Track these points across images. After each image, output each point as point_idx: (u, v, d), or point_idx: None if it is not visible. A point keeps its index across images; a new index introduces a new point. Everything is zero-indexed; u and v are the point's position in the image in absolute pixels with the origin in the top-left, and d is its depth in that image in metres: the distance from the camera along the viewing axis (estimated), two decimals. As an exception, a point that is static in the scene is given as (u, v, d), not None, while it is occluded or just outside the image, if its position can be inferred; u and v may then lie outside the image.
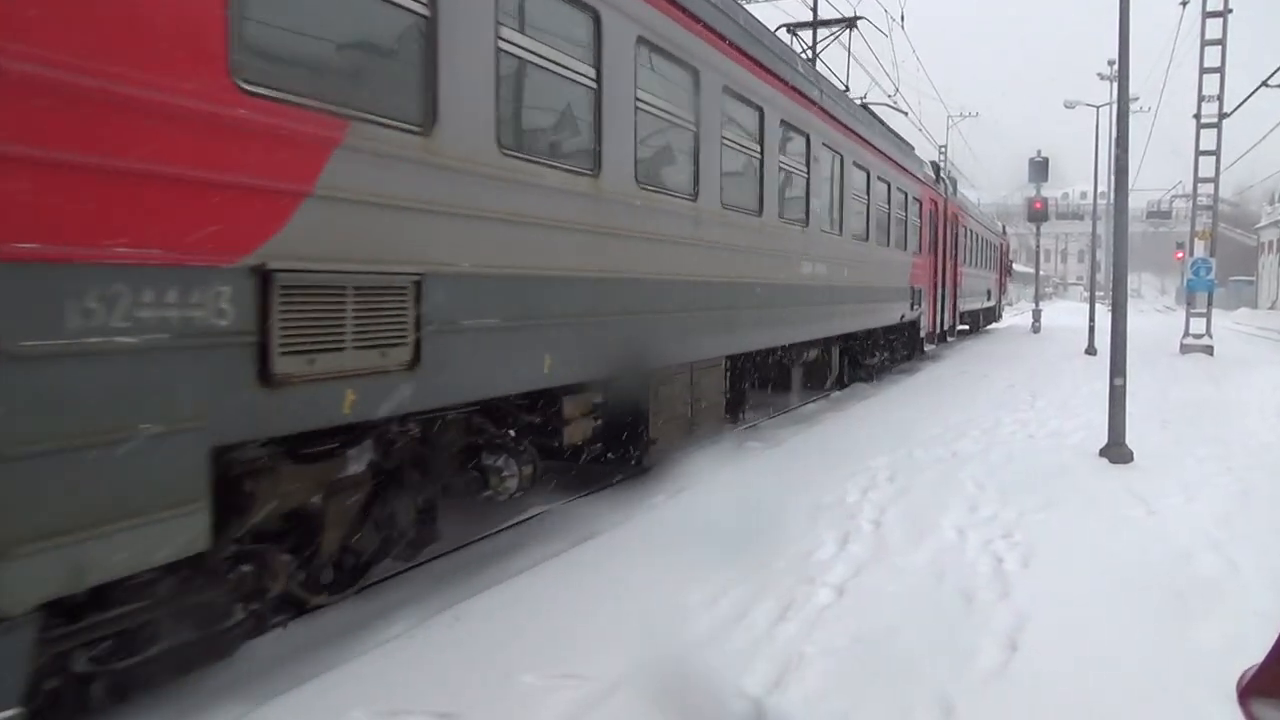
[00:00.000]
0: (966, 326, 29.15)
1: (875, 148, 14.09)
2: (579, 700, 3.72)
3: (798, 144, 10.44)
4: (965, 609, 4.80)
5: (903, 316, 16.44)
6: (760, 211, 9.14)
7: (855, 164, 12.85)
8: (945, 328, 21.61)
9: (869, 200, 13.60)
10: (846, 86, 16.74)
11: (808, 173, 10.68)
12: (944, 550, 5.83)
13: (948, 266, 21.57)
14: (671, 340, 7.23)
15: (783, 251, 9.85)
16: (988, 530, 6.25)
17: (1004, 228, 41.55)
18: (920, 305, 17.74)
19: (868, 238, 13.64)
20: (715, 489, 7.37)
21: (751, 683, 3.89)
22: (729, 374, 8.90)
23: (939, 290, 20.24)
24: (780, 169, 9.72)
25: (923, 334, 18.80)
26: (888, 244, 15.02)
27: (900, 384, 15.82)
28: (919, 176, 18.18)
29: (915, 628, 4.51)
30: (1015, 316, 49.00)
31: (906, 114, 28.33)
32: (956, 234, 23.07)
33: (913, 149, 18.73)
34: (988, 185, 74.69)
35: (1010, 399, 13.40)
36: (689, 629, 4.47)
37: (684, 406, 7.66)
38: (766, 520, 6.43)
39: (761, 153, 9.14)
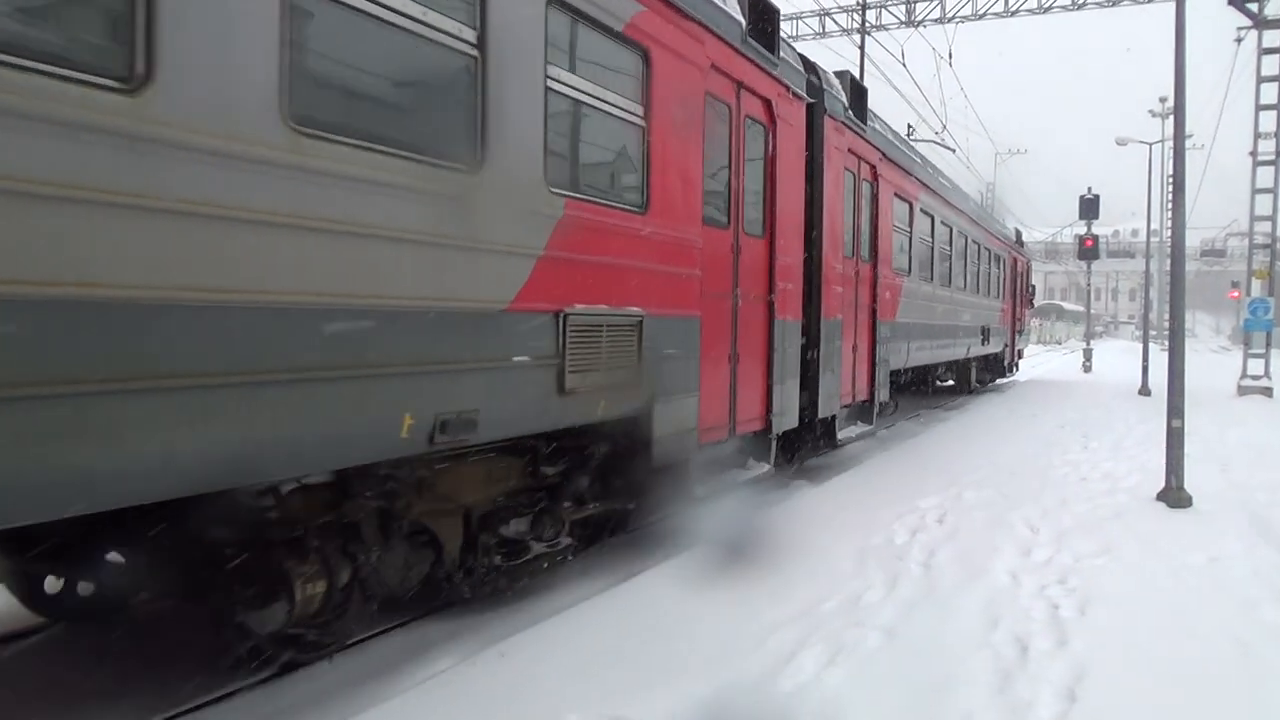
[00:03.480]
0: (951, 382, 19.78)
1: None
2: (625, 742, 3.67)
3: None
4: (1021, 657, 4.67)
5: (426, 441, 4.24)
6: None
7: None
8: (829, 413, 9.52)
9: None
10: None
11: None
12: (997, 595, 5.70)
13: (833, 274, 9.54)
14: None
15: None
16: (1042, 575, 6.10)
17: (1019, 234, 27.66)
18: (664, 395, 6.17)
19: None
20: (761, 528, 7.29)
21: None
22: None
23: (779, 330, 8.18)
24: None
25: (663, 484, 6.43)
26: (421, 151, 4.13)
27: (946, 421, 15.59)
28: (688, 12, 6.45)
29: (970, 675, 4.39)
30: (1066, 355, 48.05)
31: (954, 150, 28.07)
32: (876, 207, 11.28)
33: None
34: (1038, 222, 73.97)
35: (1061, 440, 13.13)
36: (736, 671, 4.39)
37: None
38: (814, 561, 6.33)
39: None
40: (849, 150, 10.15)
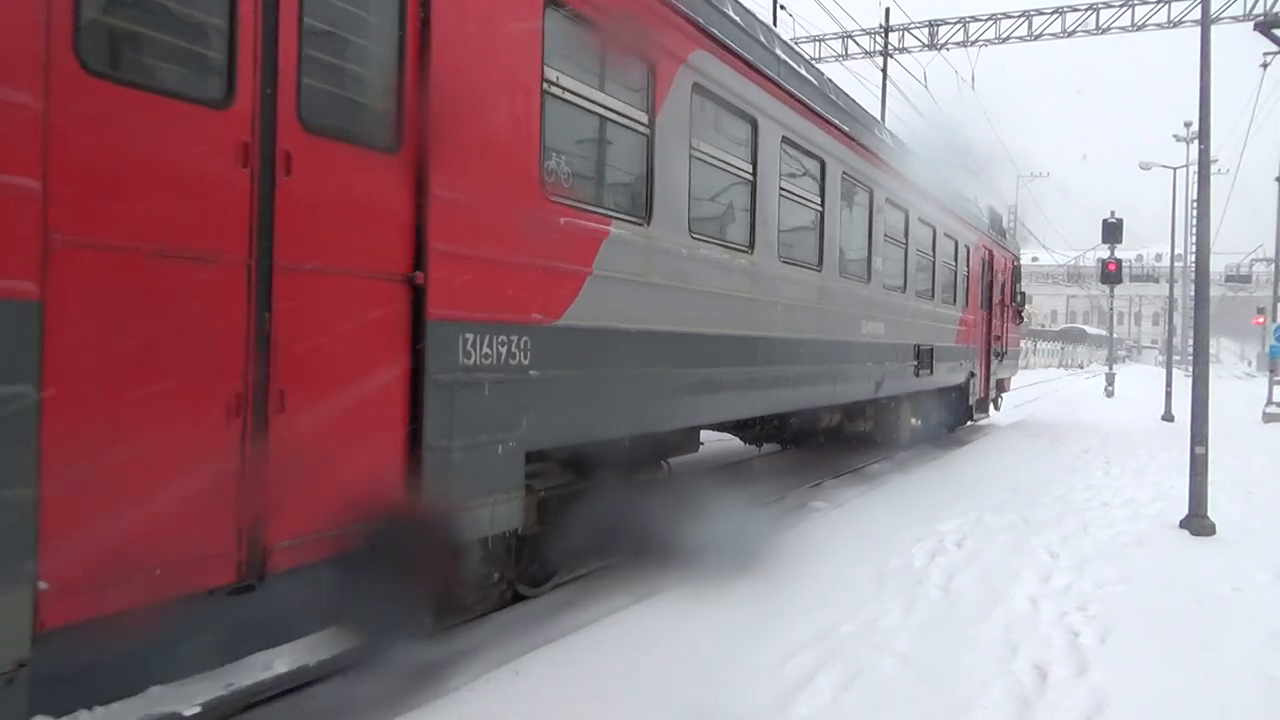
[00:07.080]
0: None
1: None
2: (639, 764, 3.64)
3: None
4: (1040, 685, 4.60)
5: None
6: None
7: None
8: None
9: None
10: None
11: None
12: (1017, 621, 5.64)
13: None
14: None
15: None
16: (1063, 602, 6.03)
17: (997, 219, 19.98)
18: None
19: None
20: (779, 550, 7.25)
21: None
22: None
23: None
24: None
25: None
26: None
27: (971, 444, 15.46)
28: None
29: (988, 702, 4.34)
30: (1088, 379, 47.63)
31: (976, 175, 27.90)
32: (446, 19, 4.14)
33: None
34: (1060, 245, 73.52)
35: (1083, 465, 13.01)
36: (752, 695, 4.36)
37: None
38: (832, 584, 6.29)
39: None
40: None
